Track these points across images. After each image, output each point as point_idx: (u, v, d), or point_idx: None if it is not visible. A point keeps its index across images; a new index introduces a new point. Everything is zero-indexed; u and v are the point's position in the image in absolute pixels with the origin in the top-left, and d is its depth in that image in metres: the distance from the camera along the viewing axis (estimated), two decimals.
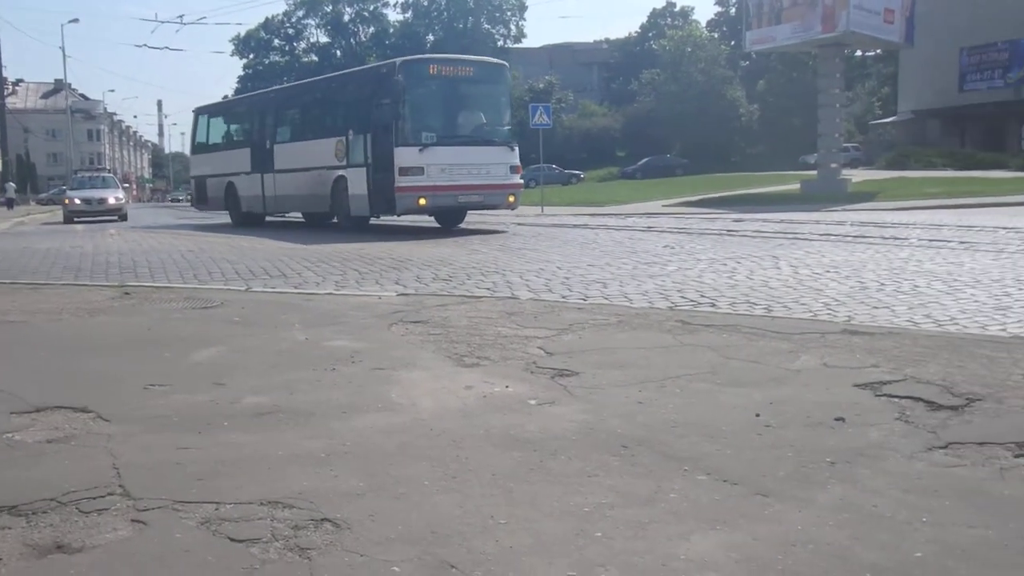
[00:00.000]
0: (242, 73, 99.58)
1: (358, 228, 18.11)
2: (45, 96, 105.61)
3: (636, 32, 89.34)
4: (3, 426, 3.88)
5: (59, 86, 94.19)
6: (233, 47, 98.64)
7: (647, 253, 11.71)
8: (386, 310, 6.93)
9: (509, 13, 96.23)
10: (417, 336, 5.87)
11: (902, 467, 3.22)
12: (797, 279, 8.62)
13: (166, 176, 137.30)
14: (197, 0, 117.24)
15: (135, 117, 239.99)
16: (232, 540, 2.67)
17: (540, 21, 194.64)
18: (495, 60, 19.86)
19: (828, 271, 9.16)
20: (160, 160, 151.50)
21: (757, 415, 3.85)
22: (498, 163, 17.46)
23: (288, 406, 4.15)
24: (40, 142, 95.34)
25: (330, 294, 8.26)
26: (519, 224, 19.99)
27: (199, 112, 26.70)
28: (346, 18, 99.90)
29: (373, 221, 18.77)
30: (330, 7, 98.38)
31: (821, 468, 3.21)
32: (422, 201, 16.58)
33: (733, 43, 69.84)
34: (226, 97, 30.50)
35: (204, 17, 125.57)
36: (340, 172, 18.37)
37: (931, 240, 12.32)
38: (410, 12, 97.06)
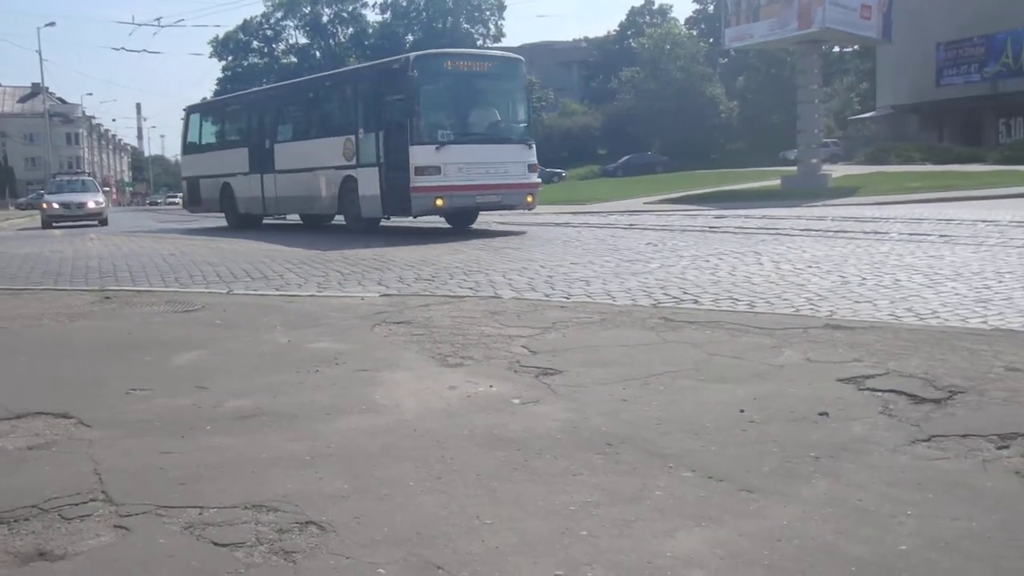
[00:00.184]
0: (221, 75, 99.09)
1: (368, 230, 17.25)
2: (22, 100, 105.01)
3: (615, 30, 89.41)
4: None
5: (36, 90, 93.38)
6: (212, 49, 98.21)
7: (630, 251, 11.72)
8: (369, 311, 6.91)
9: (488, 12, 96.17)
10: (400, 337, 5.85)
11: (886, 461, 3.23)
12: (779, 275, 8.64)
13: (146, 179, 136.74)
14: (174, 2, 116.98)
15: (114, 120, 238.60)
16: (216, 544, 2.66)
17: (519, 20, 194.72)
18: (511, 55, 19.05)
19: (810, 266, 9.20)
20: (140, 163, 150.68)
21: (741, 411, 3.86)
22: (516, 161, 16.79)
23: (271, 409, 4.13)
24: (18, 146, 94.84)
25: (312, 296, 8.23)
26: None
27: (191, 111, 25.92)
28: (325, 19, 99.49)
29: (383, 223, 17.99)
30: (308, 8, 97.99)
31: (805, 463, 3.22)
32: (439, 202, 15.81)
33: (712, 40, 69.83)
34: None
35: (182, 19, 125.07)
36: (349, 172, 17.55)
37: (911, 234, 12.38)
38: (389, 13, 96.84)
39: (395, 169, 16.19)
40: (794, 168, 32.28)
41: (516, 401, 4.17)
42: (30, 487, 3.15)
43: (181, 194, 30.31)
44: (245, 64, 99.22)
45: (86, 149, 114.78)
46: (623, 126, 68.97)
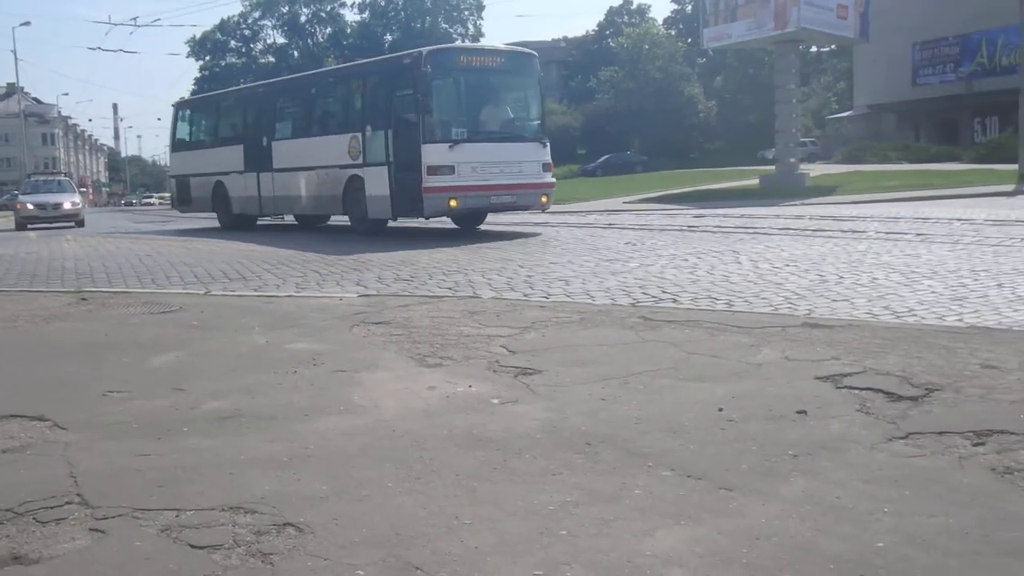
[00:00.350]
0: (199, 75, 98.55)
1: (374, 232, 16.53)
2: None
3: (593, 30, 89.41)
4: None
5: (11, 90, 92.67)
6: (189, 49, 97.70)
7: (609, 250, 11.74)
8: (347, 311, 6.89)
9: (467, 12, 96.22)
10: (379, 337, 5.84)
11: (863, 458, 3.25)
12: (757, 273, 8.68)
13: (123, 180, 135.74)
14: (151, 2, 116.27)
15: (90, 121, 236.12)
16: (193, 547, 2.64)
17: (497, 20, 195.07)
18: (525, 50, 18.03)
19: (788, 265, 9.24)
20: (116, 164, 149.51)
21: (720, 409, 3.87)
22: (531, 160, 16.03)
23: (249, 410, 4.11)
24: None
25: (291, 296, 8.20)
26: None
27: (180, 106, 24.81)
28: (303, 19, 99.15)
29: (391, 224, 17.24)
30: (286, 8, 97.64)
31: (784, 461, 3.24)
32: (453, 203, 14.99)
33: (690, 40, 70.12)
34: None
35: (158, 19, 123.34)
36: (355, 171, 16.59)
37: (888, 233, 12.47)
38: (367, 12, 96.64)
39: (406, 168, 15.39)
40: (772, 167, 32.46)
41: (495, 401, 4.16)
42: (4, 491, 3.11)
43: (160, 195, 29.78)
44: (223, 64, 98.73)
45: (62, 149, 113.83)
46: (602, 126, 69.02)
